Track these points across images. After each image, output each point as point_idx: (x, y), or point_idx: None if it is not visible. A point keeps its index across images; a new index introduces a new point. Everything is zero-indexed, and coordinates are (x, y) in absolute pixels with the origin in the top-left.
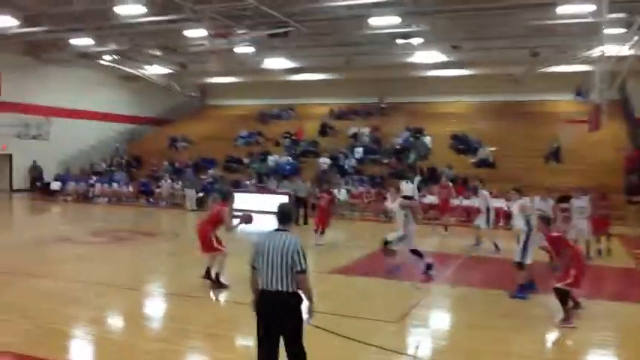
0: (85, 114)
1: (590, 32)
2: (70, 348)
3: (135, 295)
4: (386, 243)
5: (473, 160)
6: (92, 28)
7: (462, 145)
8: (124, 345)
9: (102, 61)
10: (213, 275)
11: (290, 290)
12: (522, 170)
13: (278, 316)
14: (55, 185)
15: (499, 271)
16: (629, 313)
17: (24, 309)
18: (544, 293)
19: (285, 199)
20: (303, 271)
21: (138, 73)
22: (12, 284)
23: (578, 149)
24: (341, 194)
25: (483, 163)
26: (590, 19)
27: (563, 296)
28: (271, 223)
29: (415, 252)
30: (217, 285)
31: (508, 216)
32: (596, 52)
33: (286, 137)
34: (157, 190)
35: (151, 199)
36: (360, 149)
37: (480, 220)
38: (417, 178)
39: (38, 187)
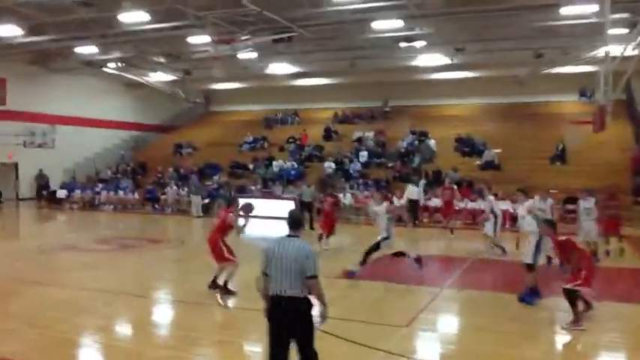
0: (90, 122)
1: (593, 33)
2: (78, 356)
3: (141, 302)
4: (378, 245)
5: (478, 163)
6: (97, 36)
7: (467, 147)
8: (132, 352)
9: (106, 69)
10: (221, 283)
11: (301, 295)
12: (528, 172)
13: (290, 321)
14: (61, 193)
15: (506, 273)
16: (638, 315)
17: (31, 317)
18: (551, 296)
19: (290, 204)
20: (315, 276)
21: (142, 81)
22: (18, 292)
23: (584, 150)
24: (346, 198)
25: (489, 166)
26: (593, 20)
27: (572, 297)
28: (276, 227)
29: (398, 254)
30: (225, 291)
31: (513, 218)
32: (600, 52)
33: (291, 142)
34: (163, 197)
35: (156, 206)
36: (365, 153)
37: (488, 228)
38: (423, 182)
39: (44, 195)
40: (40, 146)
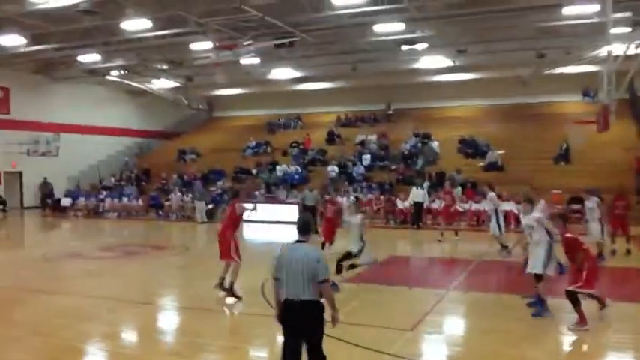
0: (93, 129)
1: (596, 32)
2: None
3: (146, 309)
4: (350, 255)
5: (481, 164)
6: (100, 45)
7: (470, 149)
8: (137, 359)
9: (110, 77)
10: (227, 284)
11: (314, 299)
12: (531, 172)
13: (302, 324)
14: (66, 201)
15: (511, 275)
16: None
17: (36, 325)
18: (555, 297)
19: (293, 208)
20: (326, 280)
21: (145, 88)
22: (23, 301)
23: (587, 150)
24: (349, 201)
25: (492, 167)
26: (595, 20)
27: (574, 298)
28: (280, 232)
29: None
30: (230, 294)
31: (518, 219)
32: (602, 52)
33: (294, 146)
34: (167, 204)
35: (160, 213)
36: (368, 156)
37: (493, 227)
38: (426, 184)
39: (49, 203)
40: (44, 155)
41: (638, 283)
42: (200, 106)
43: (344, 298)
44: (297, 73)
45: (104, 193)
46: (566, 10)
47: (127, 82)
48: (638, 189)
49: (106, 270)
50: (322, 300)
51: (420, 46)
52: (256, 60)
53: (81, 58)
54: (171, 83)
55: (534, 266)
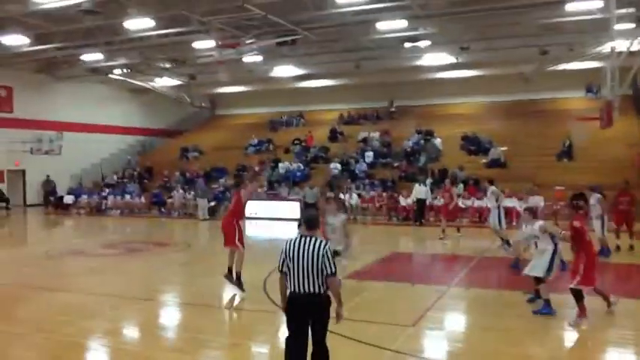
0: (96, 128)
1: (599, 28)
2: None
3: (149, 305)
4: (336, 253)
5: (484, 161)
6: (102, 44)
7: (473, 145)
8: (140, 356)
9: (112, 76)
10: (234, 274)
11: (321, 292)
12: (534, 169)
13: (309, 316)
14: (68, 199)
15: (513, 271)
16: None
17: (38, 322)
18: (555, 293)
19: (295, 205)
20: (334, 274)
21: (148, 86)
22: (26, 298)
23: (591, 146)
24: (352, 199)
25: (495, 164)
26: (599, 16)
27: (578, 295)
28: (283, 229)
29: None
30: (237, 284)
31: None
32: (606, 48)
33: (296, 144)
34: (169, 201)
35: (163, 210)
36: (371, 153)
37: (493, 222)
38: (429, 181)
39: (51, 201)
40: (47, 153)
41: None
42: (203, 104)
43: (346, 295)
44: (299, 71)
45: (107, 190)
46: (570, 7)
47: (129, 80)
48: None
49: (108, 267)
50: (328, 294)
51: (423, 44)
52: (259, 58)
53: (84, 57)
54: (174, 81)
55: (534, 269)
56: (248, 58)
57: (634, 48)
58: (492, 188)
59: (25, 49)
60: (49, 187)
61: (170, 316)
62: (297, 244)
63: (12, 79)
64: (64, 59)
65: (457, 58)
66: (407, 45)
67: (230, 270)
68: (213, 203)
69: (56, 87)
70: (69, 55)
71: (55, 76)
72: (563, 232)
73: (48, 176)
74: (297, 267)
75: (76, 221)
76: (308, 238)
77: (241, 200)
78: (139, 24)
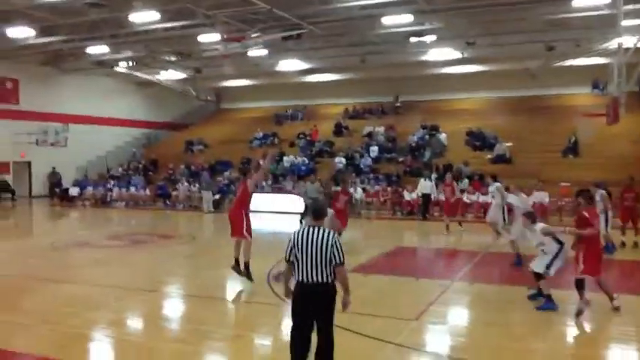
0: (102, 120)
1: (606, 24)
2: (91, 351)
3: (153, 297)
4: None
5: (489, 156)
6: (108, 37)
7: (478, 141)
8: (144, 347)
9: (118, 69)
10: (242, 264)
11: (327, 282)
12: (539, 165)
13: (317, 305)
14: (74, 191)
15: (516, 268)
16: None
17: (44, 313)
18: (558, 289)
19: (300, 199)
20: (342, 263)
21: (153, 79)
22: (32, 289)
23: (597, 143)
24: (357, 193)
25: (500, 159)
26: (606, 11)
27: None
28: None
29: None
30: (246, 274)
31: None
32: (613, 44)
33: (301, 138)
34: (174, 193)
35: (168, 202)
36: (376, 148)
37: (497, 219)
38: (434, 176)
39: (57, 192)
40: (52, 145)
41: None
42: (208, 98)
43: (350, 289)
44: (304, 65)
45: (112, 182)
46: (576, 2)
47: (135, 73)
48: None
49: (113, 259)
50: (335, 284)
51: (429, 39)
52: (264, 52)
53: (89, 50)
54: (180, 75)
55: (536, 265)
56: (253, 52)
57: None
58: (497, 185)
59: (31, 41)
60: (54, 179)
61: (174, 307)
62: (305, 235)
63: (18, 72)
64: (69, 52)
65: (463, 54)
66: (412, 40)
67: (237, 261)
68: (217, 196)
69: (62, 79)
70: (74, 47)
71: (60, 68)
72: (568, 228)
73: (53, 168)
74: (305, 257)
75: (82, 213)
76: (316, 229)
77: (247, 190)
78: (144, 17)
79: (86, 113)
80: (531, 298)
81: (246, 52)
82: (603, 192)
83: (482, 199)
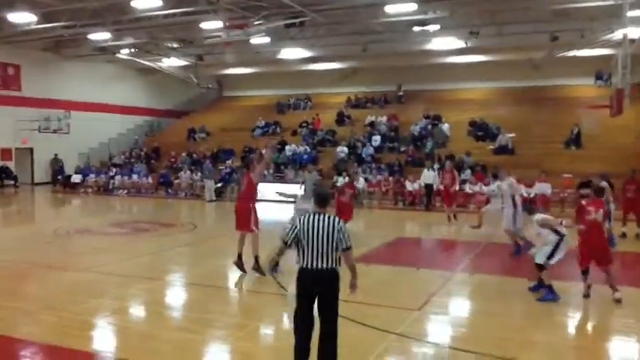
0: (104, 107)
1: (611, 15)
2: (93, 338)
3: (155, 285)
4: None
5: (492, 147)
6: (110, 23)
7: (481, 131)
8: (146, 334)
9: (120, 55)
10: (244, 259)
11: (332, 267)
12: (542, 156)
13: (321, 290)
14: (76, 178)
15: (516, 257)
16: None
17: (46, 300)
18: (559, 280)
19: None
20: (350, 248)
21: (155, 66)
22: (34, 276)
23: (600, 134)
24: (359, 183)
25: (502, 150)
26: (611, 2)
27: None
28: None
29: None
30: (256, 268)
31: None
32: (617, 35)
33: (303, 127)
34: (176, 182)
35: (170, 191)
36: (378, 137)
37: (508, 222)
38: (436, 166)
39: (59, 180)
40: (54, 132)
41: None
42: (210, 85)
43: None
44: (307, 53)
45: (114, 170)
46: None
47: (137, 60)
48: None
49: (115, 246)
50: (338, 270)
51: (432, 28)
52: (266, 39)
53: (91, 36)
54: (182, 62)
55: (536, 256)
56: (256, 40)
57: None
58: (510, 180)
59: (33, 26)
60: (56, 166)
61: (176, 295)
62: (311, 221)
63: (20, 57)
64: (71, 38)
65: (466, 43)
66: (416, 29)
67: (240, 256)
68: (219, 184)
69: (64, 66)
70: (76, 33)
71: (62, 54)
72: (564, 220)
73: (56, 155)
74: (311, 243)
75: (84, 200)
76: (321, 215)
77: (252, 182)
78: (146, 3)
79: (88, 100)
80: (533, 289)
81: (248, 40)
82: (606, 184)
83: (484, 189)
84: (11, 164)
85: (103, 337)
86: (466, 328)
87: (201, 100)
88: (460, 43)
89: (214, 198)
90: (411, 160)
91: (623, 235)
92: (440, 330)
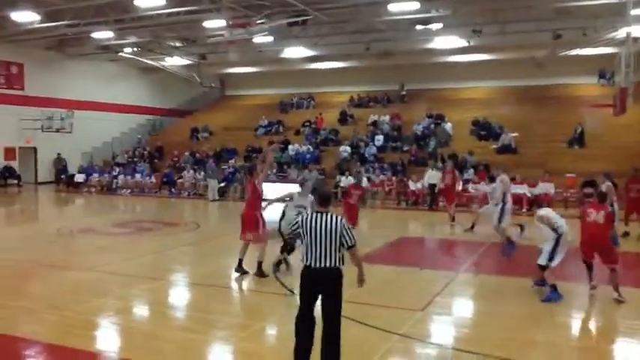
0: (107, 106)
1: (614, 13)
2: (96, 337)
3: (158, 285)
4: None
5: (494, 146)
6: (113, 22)
7: (484, 131)
8: (149, 334)
9: (123, 54)
10: (244, 264)
11: (338, 266)
12: (545, 155)
13: (324, 289)
14: (79, 177)
15: (521, 258)
16: None
17: (49, 299)
18: (563, 281)
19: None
20: (354, 245)
21: (158, 65)
22: (38, 275)
23: (603, 133)
24: (362, 183)
25: (505, 149)
26: (615, 0)
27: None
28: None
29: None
30: (259, 274)
31: (530, 202)
32: (621, 33)
33: (306, 126)
34: (179, 181)
35: (173, 190)
36: (381, 137)
37: (494, 217)
38: (440, 165)
39: (62, 179)
40: (57, 131)
41: None
42: (213, 85)
43: (353, 279)
44: (310, 52)
45: (117, 169)
46: None
47: (140, 59)
48: None
49: (118, 246)
50: (342, 269)
51: (435, 26)
52: (269, 38)
53: (94, 35)
54: (185, 61)
55: (540, 258)
56: (258, 39)
57: None
58: (503, 177)
59: (36, 25)
60: (60, 165)
61: (179, 295)
62: (313, 220)
63: (23, 56)
64: (74, 37)
65: (469, 42)
66: (418, 27)
67: (240, 262)
68: (223, 184)
69: (67, 64)
70: (79, 32)
71: (65, 53)
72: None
73: (59, 154)
74: (314, 243)
75: (87, 200)
76: (324, 215)
77: (257, 189)
78: (149, 2)
79: (91, 99)
80: (536, 283)
81: (251, 39)
82: (609, 184)
83: (487, 189)
84: (15, 163)
85: (106, 337)
86: (469, 328)
87: (204, 99)
88: (463, 42)
89: (217, 197)
90: (414, 159)
91: (626, 234)
92: (443, 331)
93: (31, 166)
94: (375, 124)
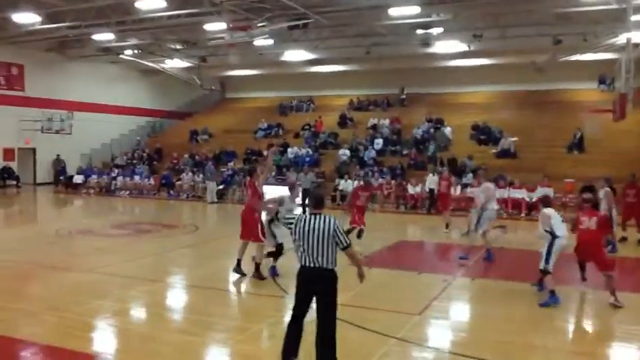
0: (106, 108)
1: (615, 19)
2: (94, 339)
3: (157, 287)
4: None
5: (494, 151)
6: (114, 24)
7: (483, 135)
8: (147, 336)
9: (123, 56)
10: (253, 265)
11: (332, 267)
12: (545, 160)
13: (319, 290)
14: (78, 178)
15: (517, 262)
16: None
17: (49, 301)
18: (562, 285)
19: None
20: (349, 245)
21: (159, 67)
22: (37, 277)
23: (603, 139)
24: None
25: (505, 154)
26: (615, 6)
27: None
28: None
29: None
30: (257, 276)
31: (529, 207)
32: (621, 39)
33: (306, 129)
34: (178, 183)
35: (172, 192)
36: (380, 140)
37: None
38: (439, 169)
39: (61, 180)
40: (57, 132)
41: None
42: (213, 87)
43: (352, 282)
44: (310, 56)
45: (116, 171)
46: None
47: (140, 61)
48: None
49: (117, 247)
50: (336, 270)
51: (435, 31)
52: (270, 41)
53: (95, 37)
54: (185, 63)
55: (540, 262)
56: (259, 42)
57: None
58: (487, 184)
59: (37, 27)
60: (59, 167)
61: (178, 297)
62: (306, 222)
63: (24, 57)
64: (75, 38)
65: (469, 46)
66: (419, 32)
67: (239, 262)
68: (221, 186)
69: (67, 66)
70: (80, 34)
71: (66, 55)
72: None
73: (58, 155)
74: (308, 245)
75: (86, 201)
76: (317, 217)
77: (257, 192)
78: (150, 4)
79: (91, 100)
80: (538, 286)
81: (251, 42)
82: (608, 189)
83: (475, 191)
84: (14, 164)
85: (105, 339)
86: (466, 332)
87: (203, 101)
88: (463, 47)
89: (216, 200)
90: (414, 163)
91: (624, 239)
92: (440, 335)
93: (29, 167)
94: (374, 127)
